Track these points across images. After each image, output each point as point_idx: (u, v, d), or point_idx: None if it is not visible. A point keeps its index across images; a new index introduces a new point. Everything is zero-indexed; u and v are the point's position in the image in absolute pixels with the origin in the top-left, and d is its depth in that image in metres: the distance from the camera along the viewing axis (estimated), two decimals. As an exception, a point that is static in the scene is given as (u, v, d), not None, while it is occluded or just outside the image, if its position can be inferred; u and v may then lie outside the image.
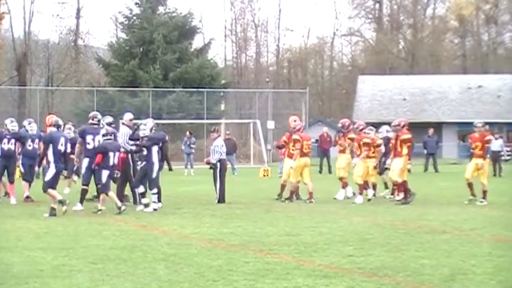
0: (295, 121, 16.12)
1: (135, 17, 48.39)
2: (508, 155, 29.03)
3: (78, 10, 58.36)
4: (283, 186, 15.98)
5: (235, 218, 12.37)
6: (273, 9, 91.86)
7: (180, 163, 30.34)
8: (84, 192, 14.04)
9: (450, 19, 69.10)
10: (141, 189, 13.81)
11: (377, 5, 70.97)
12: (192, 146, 30.41)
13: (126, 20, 49.02)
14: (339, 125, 17.07)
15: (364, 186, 15.72)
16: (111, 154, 13.28)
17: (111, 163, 13.30)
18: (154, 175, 13.71)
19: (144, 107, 41.10)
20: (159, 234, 10.32)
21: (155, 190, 13.75)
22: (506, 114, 50.23)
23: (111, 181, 13.63)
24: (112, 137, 13.59)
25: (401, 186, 15.33)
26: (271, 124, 40.99)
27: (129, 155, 14.45)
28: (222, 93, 47.89)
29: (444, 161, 39.49)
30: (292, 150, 15.63)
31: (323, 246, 9.11)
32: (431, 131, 32.26)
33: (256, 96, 47.79)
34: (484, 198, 15.26)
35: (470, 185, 15.53)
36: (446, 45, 69.80)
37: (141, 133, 14.14)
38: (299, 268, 7.60)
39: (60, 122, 13.92)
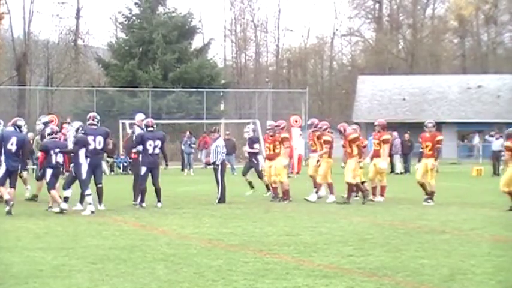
0: (320, 121, 16.27)
1: (134, 17, 48.38)
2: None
3: (78, 10, 58.37)
4: (274, 188, 16.03)
5: (235, 218, 12.38)
6: (273, 9, 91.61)
7: (180, 163, 30.37)
8: (100, 191, 13.96)
9: (450, 19, 69.10)
10: (67, 193, 13.46)
11: (377, 5, 70.96)
12: (193, 146, 30.48)
13: (125, 20, 49.00)
14: (309, 123, 16.89)
15: (331, 186, 15.73)
16: (52, 153, 13.36)
17: (53, 161, 13.38)
18: (83, 176, 13.48)
19: (143, 107, 41.03)
20: (159, 234, 10.32)
21: (88, 191, 13.42)
22: (506, 114, 50.22)
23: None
24: (57, 136, 13.85)
25: (354, 187, 15.38)
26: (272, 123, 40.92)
27: (140, 155, 14.63)
28: (221, 93, 47.88)
29: (444, 161, 39.47)
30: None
31: (323, 246, 9.11)
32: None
33: (255, 96, 47.79)
34: (431, 198, 15.06)
35: (423, 186, 15.46)
36: (445, 45, 69.80)
37: (69, 135, 14.23)
38: (299, 268, 7.60)
39: (20, 122, 13.88)
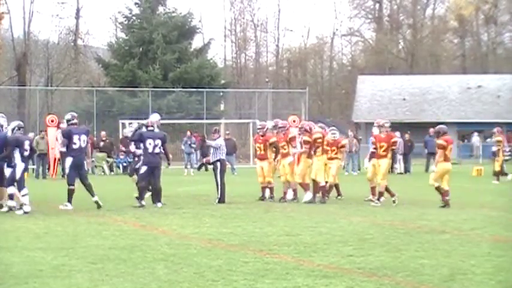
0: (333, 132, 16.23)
1: (134, 17, 48.38)
2: (508, 155, 28.99)
3: (78, 10, 58.39)
4: (270, 188, 16.05)
5: (235, 218, 12.38)
6: (273, 9, 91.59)
7: (180, 163, 30.38)
8: (71, 192, 14.09)
9: (450, 19, 69.11)
10: (10, 189, 13.56)
11: (377, 5, 70.98)
12: (193, 145, 30.51)
13: (125, 20, 49.01)
14: (280, 125, 16.68)
15: (306, 185, 15.73)
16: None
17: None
18: (18, 176, 13.52)
19: (143, 107, 41.08)
20: (159, 234, 10.32)
21: (24, 191, 13.44)
22: (506, 114, 50.23)
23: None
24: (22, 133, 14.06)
25: (305, 186, 15.61)
26: (270, 124, 40.95)
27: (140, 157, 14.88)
28: (221, 93, 47.89)
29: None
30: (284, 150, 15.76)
31: (322, 246, 9.11)
32: (432, 130, 32.26)
33: (255, 96, 47.81)
34: (378, 199, 14.97)
35: (373, 187, 15.63)
36: (445, 45, 69.81)
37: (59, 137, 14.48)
38: (298, 268, 7.60)
39: (1, 121, 14.06)
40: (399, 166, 29.61)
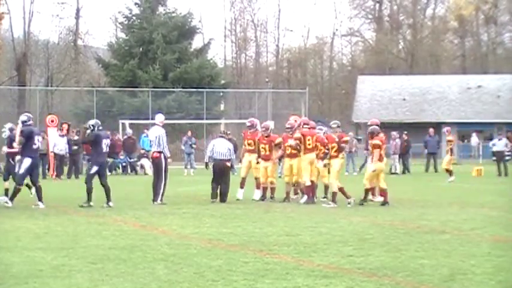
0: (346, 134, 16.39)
1: (134, 17, 48.38)
2: (508, 155, 29.03)
3: (78, 10, 58.39)
4: (264, 189, 16.12)
5: (235, 218, 12.38)
6: (273, 9, 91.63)
7: (180, 163, 30.38)
8: (18, 191, 14.32)
9: (450, 19, 69.12)
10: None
11: (377, 5, 70.99)
12: (194, 146, 30.53)
13: (125, 20, 49.00)
14: (288, 125, 16.56)
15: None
16: None
17: None
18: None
19: (143, 107, 41.09)
20: (159, 234, 10.32)
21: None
22: (506, 114, 50.25)
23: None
24: None
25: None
26: (270, 124, 40.93)
27: (162, 154, 15.08)
28: (221, 93, 47.88)
29: (444, 161, 39.45)
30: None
31: (322, 246, 9.10)
32: (431, 130, 32.34)
33: (255, 96, 47.82)
34: (332, 200, 14.88)
35: (326, 186, 15.75)
36: (445, 45, 69.82)
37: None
38: (298, 268, 7.60)
39: None
40: (395, 166, 29.59)
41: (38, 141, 14.44)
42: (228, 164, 15.81)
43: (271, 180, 16.09)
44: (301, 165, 15.27)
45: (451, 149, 24.28)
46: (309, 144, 15.19)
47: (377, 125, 15.86)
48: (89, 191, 14.38)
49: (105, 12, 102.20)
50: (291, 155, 15.62)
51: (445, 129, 25.57)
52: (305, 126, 15.69)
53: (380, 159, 14.98)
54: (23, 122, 14.56)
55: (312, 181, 15.22)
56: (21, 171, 14.24)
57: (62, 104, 51.89)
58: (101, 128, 14.91)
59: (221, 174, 15.72)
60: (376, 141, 15.05)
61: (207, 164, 17.01)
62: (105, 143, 14.71)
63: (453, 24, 68.88)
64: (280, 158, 16.75)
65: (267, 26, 69.38)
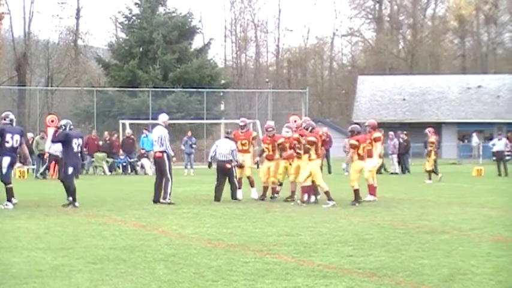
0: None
1: (134, 17, 48.36)
2: (508, 156, 29.06)
3: (78, 10, 58.42)
4: (265, 188, 16.18)
5: (235, 218, 12.37)
6: (273, 10, 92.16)
7: (180, 163, 30.39)
8: (10, 190, 14.15)
9: (450, 19, 69.16)
10: None
11: (377, 5, 71.03)
12: (194, 146, 30.55)
13: (125, 20, 48.98)
14: (268, 128, 16.83)
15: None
16: None
17: None
18: None
19: (143, 107, 41.11)
20: (159, 234, 10.31)
21: None
22: (506, 114, 50.30)
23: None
24: None
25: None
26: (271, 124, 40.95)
27: (164, 154, 15.06)
28: (221, 94, 47.89)
29: (444, 161, 39.53)
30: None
31: (322, 246, 9.10)
32: (430, 130, 32.28)
33: (256, 97, 47.82)
34: (329, 199, 14.87)
35: (292, 185, 15.91)
36: (445, 45, 69.87)
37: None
38: (298, 268, 7.60)
39: None
40: (394, 167, 29.59)
41: (11, 139, 14.12)
42: (229, 165, 15.81)
43: (273, 180, 16.10)
44: (308, 168, 15.18)
45: (435, 151, 23.91)
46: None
47: (374, 126, 16.03)
48: (72, 190, 14.25)
49: (105, 12, 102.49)
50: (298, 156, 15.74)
51: (427, 130, 24.79)
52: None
53: (360, 158, 15.11)
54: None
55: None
56: (4, 170, 14.09)
57: (62, 104, 51.93)
58: (72, 127, 14.72)
59: (223, 175, 15.82)
60: (352, 140, 15.28)
61: (209, 164, 17.14)
62: (76, 143, 14.44)
63: (453, 24, 68.93)
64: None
65: (267, 26, 69.53)
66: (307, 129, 15.04)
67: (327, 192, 14.56)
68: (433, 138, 24.02)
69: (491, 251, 8.71)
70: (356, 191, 14.93)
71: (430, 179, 23.10)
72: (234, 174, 15.92)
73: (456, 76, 57.58)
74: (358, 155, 15.13)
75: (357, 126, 15.72)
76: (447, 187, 21.11)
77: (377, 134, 16.38)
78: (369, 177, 15.95)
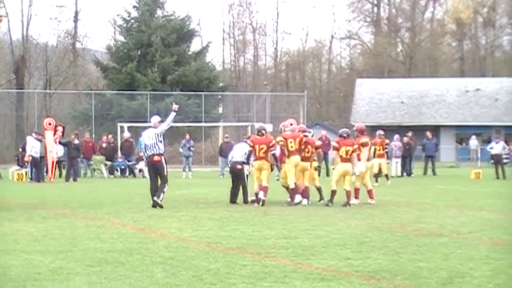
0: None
1: (133, 20, 48.37)
2: (506, 159, 29.08)
3: (76, 13, 58.34)
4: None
5: (233, 221, 12.37)
6: (271, 13, 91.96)
7: (178, 166, 30.38)
8: None
9: (448, 22, 69.20)
10: None
11: (375, 9, 71.07)
12: (192, 148, 30.54)
13: (124, 23, 48.99)
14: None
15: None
16: None
17: None
18: None
19: (142, 110, 41.09)
20: (157, 237, 10.31)
21: None
22: (504, 117, 50.32)
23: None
24: None
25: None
26: (269, 127, 40.90)
27: (163, 158, 15.13)
28: (219, 96, 47.90)
29: (442, 164, 39.56)
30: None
31: (320, 249, 9.10)
32: (429, 133, 32.37)
33: (254, 100, 47.80)
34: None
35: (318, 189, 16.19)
36: (444, 48, 69.87)
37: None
38: (297, 271, 7.60)
39: None
40: (395, 170, 29.57)
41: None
42: (239, 166, 15.99)
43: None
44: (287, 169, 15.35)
45: (386, 153, 24.15)
46: (292, 147, 15.40)
47: (362, 130, 16.15)
48: None
49: (104, 15, 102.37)
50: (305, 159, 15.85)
51: (377, 132, 24.37)
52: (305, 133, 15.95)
53: (342, 160, 15.20)
54: None
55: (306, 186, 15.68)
56: None
57: (61, 107, 51.89)
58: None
59: (236, 177, 16.11)
60: (333, 142, 15.55)
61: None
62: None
63: (451, 27, 68.97)
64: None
65: (266, 29, 69.43)
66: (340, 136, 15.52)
67: (292, 190, 15.12)
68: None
69: (489, 254, 8.72)
70: (333, 192, 15.15)
71: (388, 179, 23.69)
72: (245, 177, 16.07)
73: (454, 79, 57.59)
74: (341, 157, 15.20)
75: (346, 130, 15.91)
76: (445, 190, 21.12)
77: (364, 139, 16.40)
78: (356, 182, 16.00)
